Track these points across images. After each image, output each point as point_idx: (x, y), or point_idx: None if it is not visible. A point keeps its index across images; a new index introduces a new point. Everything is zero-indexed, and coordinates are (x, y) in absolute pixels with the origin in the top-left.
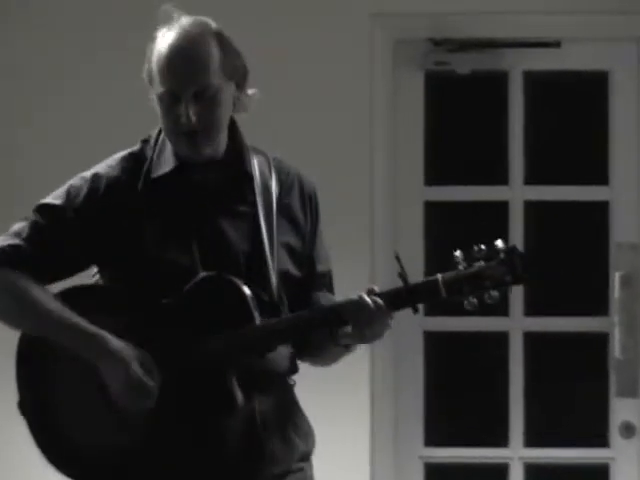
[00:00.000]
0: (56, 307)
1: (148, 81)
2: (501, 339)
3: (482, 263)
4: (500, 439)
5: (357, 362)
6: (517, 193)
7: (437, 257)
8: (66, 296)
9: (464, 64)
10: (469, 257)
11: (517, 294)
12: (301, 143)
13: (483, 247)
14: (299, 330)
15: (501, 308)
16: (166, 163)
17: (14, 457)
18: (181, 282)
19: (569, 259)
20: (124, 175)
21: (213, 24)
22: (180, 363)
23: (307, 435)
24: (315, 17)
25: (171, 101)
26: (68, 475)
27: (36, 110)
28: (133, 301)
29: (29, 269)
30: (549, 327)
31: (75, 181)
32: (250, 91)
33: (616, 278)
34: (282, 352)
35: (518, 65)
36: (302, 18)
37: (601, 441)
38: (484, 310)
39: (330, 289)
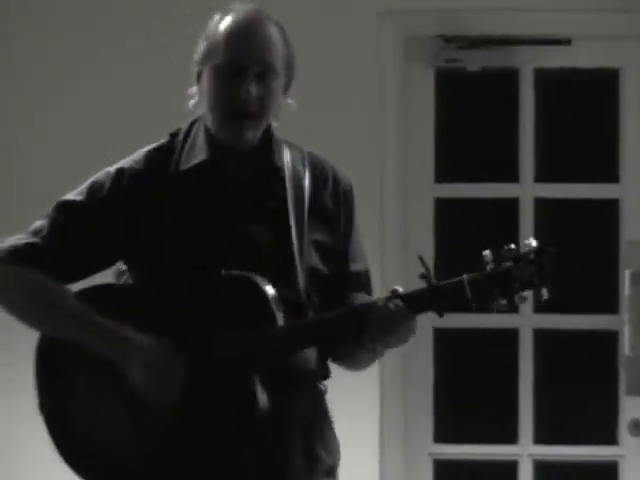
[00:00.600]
0: (74, 305)
1: (202, 57)
2: (511, 336)
3: (510, 263)
4: (509, 436)
5: None
6: (527, 190)
7: (447, 254)
8: (84, 296)
9: (475, 61)
10: (498, 257)
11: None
12: (312, 141)
13: (513, 246)
14: (320, 335)
15: None
16: (198, 154)
17: (17, 456)
18: (205, 277)
19: (579, 257)
20: (150, 169)
21: (273, 16)
22: (201, 361)
23: (333, 450)
24: (325, 15)
25: (231, 74)
26: (87, 479)
27: (36, 110)
28: (153, 298)
29: (47, 268)
30: (559, 324)
31: (98, 176)
32: (289, 100)
33: (626, 276)
34: (310, 354)
35: (529, 62)
36: (312, 16)
37: (610, 439)
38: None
39: (367, 289)
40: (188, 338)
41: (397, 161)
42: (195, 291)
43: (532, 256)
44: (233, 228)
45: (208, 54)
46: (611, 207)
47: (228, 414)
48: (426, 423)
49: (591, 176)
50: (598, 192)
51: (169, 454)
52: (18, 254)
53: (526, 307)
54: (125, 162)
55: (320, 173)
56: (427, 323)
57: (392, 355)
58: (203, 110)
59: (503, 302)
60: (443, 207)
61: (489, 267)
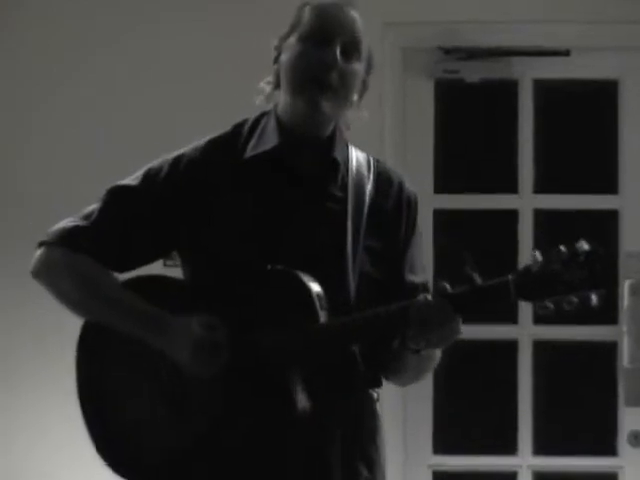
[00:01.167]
0: (121, 293)
1: (286, 32)
2: (510, 347)
3: (558, 265)
4: (509, 447)
5: None
6: (527, 201)
7: (446, 265)
8: (129, 285)
9: (474, 72)
10: (547, 258)
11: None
12: None
13: (563, 248)
14: (363, 329)
15: (510, 316)
16: (267, 142)
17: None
18: (253, 271)
19: None
20: (209, 158)
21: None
22: (242, 356)
23: (379, 467)
24: None
25: (316, 43)
26: (122, 475)
27: (36, 110)
28: (199, 289)
29: (96, 253)
30: (558, 335)
31: (156, 163)
32: (362, 109)
33: (625, 287)
34: (356, 358)
35: (528, 74)
36: None
37: (609, 450)
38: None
39: None
40: (232, 330)
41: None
42: (241, 284)
43: (583, 259)
44: (288, 222)
45: (293, 27)
46: (610, 218)
47: (266, 411)
48: (425, 434)
49: (590, 187)
50: (597, 203)
51: (205, 446)
52: (67, 237)
53: (525, 318)
54: (184, 150)
55: (385, 180)
56: None
57: None
58: (273, 99)
59: (550, 305)
60: (442, 218)
61: (535, 268)
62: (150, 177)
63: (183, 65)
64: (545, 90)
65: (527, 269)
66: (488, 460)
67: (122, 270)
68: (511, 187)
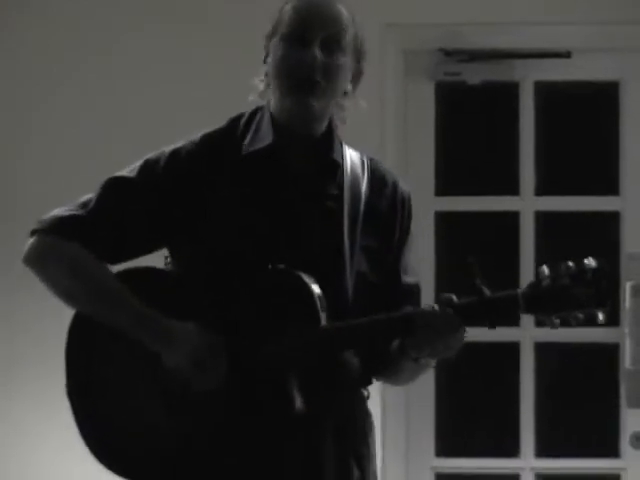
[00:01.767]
0: (114, 285)
1: (269, 32)
2: (512, 349)
3: (567, 281)
4: (511, 449)
5: None
6: (528, 203)
7: (448, 268)
8: (123, 277)
9: (475, 74)
10: (555, 273)
11: None
12: None
13: (571, 264)
14: (365, 335)
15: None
16: (263, 139)
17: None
18: (250, 269)
19: None
20: (207, 152)
21: (348, 5)
22: (240, 356)
23: (370, 465)
24: None
25: (296, 43)
26: (111, 469)
27: (36, 110)
28: (195, 285)
29: (90, 243)
30: (560, 337)
31: (153, 155)
32: (358, 99)
33: (627, 288)
34: (353, 361)
35: (529, 76)
36: None
37: (612, 451)
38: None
39: (417, 303)
40: (230, 330)
41: (397, 174)
42: (240, 282)
43: (590, 276)
44: (285, 221)
45: (275, 27)
46: (612, 220)
47: (264, 410)
48: (428, 437)
49: (591, 189)
50: (599, 205)
51: (200, 444)
52: (61, 225)
53: (527, 320)
54: (181, 143)
55: (379, 179)
56: None
57: None
58: (266, 96)
59: (556, 320)
60: (443, 220)
61: (544, 283)
62: (148, 169)
63: (183, 65)
64: (546, 92)
65: (537, 283)
66: (490, 462)
67: (115, 262)
68: (512, 189)
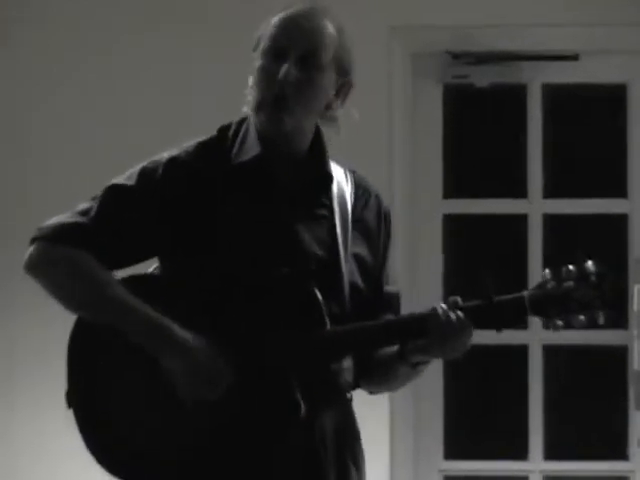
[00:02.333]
0: (119, 291)
1: (255, 46)
2: (520, 352)
3: (571, 284)
4: (520, 452)
5: None
6: (536, 206)
7: (456, 270)
8: (126, 283)
9: (483, 77)
10: (558, 276)
11: None
12: None
13: (572, 267)
14: (376, 337)
15: None
16: (250, 150)
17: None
18: (249, 278)
19: None
20: (202, 161)
21: (336, 17)
22: (247, 364)
23: (363, 466)
24: None
25: (273, 58)
26: (114, 474)
27: (36, 110)
28: (195, 294)
29: (93, 250)
30: (568, 340)
31: (149, 163)
32: (351, 109)
33: (635, 291)
34: (347, 366)
35: (536, 78)
36: None
37: (620, 454)
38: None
39: (397, 313)
40: (231, 338)
41: (405, 177)
42: (240, 289)
43: (593, 279)
44: (279, 231)
45: (258, 42)
46: (620, 222)
47: (266, 412)
48: (436, 439)
49: (599, 191)
50: (607, 207)
51: (203, 446)
52: (64, 233)
53: (535, 322)
54: (177, 151)
55: (363, 192)
56: None
57: None
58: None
59: (559, 323)
60: (452, 223)
61: (549, 286)
62: (146, 178)
63: (183, 65)
64: (554, 94)
65: (542, 285)
66: (499, 465)
67: (115, 268)
68: (520, 192)
